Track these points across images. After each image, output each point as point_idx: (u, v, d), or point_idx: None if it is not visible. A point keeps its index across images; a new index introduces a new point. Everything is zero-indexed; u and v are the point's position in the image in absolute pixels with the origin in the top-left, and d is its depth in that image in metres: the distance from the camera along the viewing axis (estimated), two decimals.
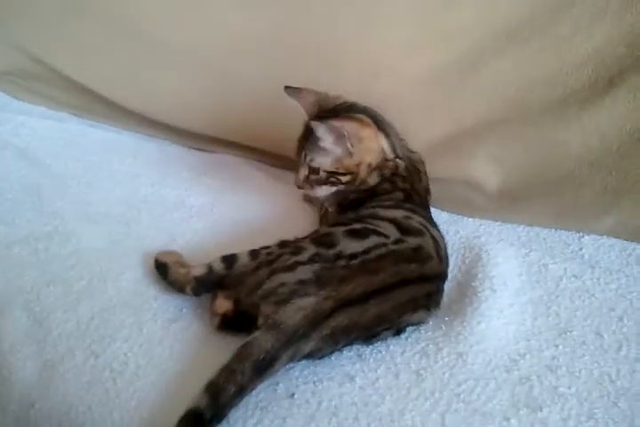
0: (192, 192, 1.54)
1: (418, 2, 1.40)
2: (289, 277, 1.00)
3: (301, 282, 0.98)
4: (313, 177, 1.25)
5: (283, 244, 1.10)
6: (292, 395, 0.96)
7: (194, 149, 1.78)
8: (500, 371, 1.00)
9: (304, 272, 1.00)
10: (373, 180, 1.25)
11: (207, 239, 1.34)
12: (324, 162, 1.23)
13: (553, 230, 1.37)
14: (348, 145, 1.20)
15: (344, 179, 1.24)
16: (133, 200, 1.49)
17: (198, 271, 1.11)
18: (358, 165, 1.23)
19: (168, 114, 1.76)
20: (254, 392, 0.95)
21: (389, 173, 1.25)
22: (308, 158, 1.24)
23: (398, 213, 1.17)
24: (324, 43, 1.50)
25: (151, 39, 1.70)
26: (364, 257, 1.03)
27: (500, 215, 1.42)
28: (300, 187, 1.29)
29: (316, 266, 1.01)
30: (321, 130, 1.18)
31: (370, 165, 1.24)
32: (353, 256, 1.02)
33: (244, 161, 1.72)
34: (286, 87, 1.29)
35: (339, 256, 1.02)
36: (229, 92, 1.65)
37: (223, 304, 1.04)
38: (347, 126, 1.19)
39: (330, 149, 1.21)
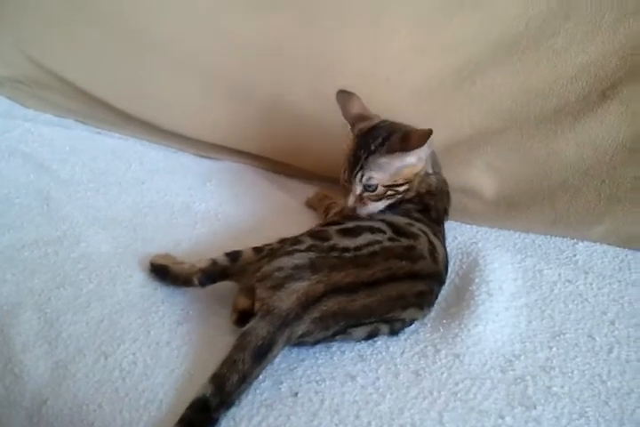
0: (197, 198, 1.56)
1: (416, 15, 1.43)
2: (286, 262, 1.03)
3: (297, 267, 1.02)
4: (368, 194, 1.22)
5: (282, 240, 1.14)
6: (296, 394, 0.98)
7: (199, 156, 1.80)
8: (496, 371, 1.02)
9: (300, 258, 1.04)
10: (411, 193, 1.26)
11: (211, 244, 1.36)
12: (385, 177, 1.21)
13: (548, 237, 1.39)
14: (423, 150, 1.20)
15: (402, 189, 1.23)
16: (139, 206, 1.52)
17: (204, 264, 1.15)
18: (415, 174, 1.24)
19: (173, 121, 1.79)
20: (259, 391, 0.98)
21: (425, 189, 1.26)
22: (365, 178, 1.20)
23: (401, 220, 1.19)
24: (324, 53, 1.53)
25: (156, 48, 1.73)
26: (356, 253, 1.06)
27: (496, 222, 1.44)
28: (350, 209, 1.24)
29: (312, 254, 1.05)
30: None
31: (419, 175, 1.25)
32: (345, 249, 1.06)
33: (248, 168, 1.74)
34: (339, 91, 1.28)
35: (332, 248, 1.06)
36: (233, 101, 1.68)
37: (243, 302, 1.06)
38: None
39: (401, 160, 1.20)
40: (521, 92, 1.37)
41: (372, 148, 1.20)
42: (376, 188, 1.21)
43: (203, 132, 1.76)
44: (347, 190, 1.24)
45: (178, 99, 1.76)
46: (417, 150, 1.18)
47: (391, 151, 1.18)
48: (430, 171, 1.27)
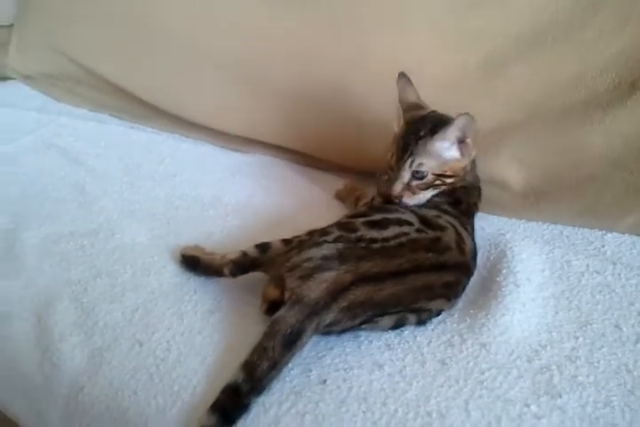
0: (227, 191, 1.58)
1: (441, 7, 1.44)
2: (315, 253, 1.05)
3: (325, 257, 1.03)
4: (416, 182, 1.21)
5: (310, 232, 1.15)
6: (324, 381, 1.00)
7: (228, 149, 1.81)
8: (522, 361, 1.02)
9: (329, 249, 1.05)
10: (459, 179, 1.25)
11: (242, 236, 1.38)
12: (434, 165, 1.21)
13: (576, 228, 1.38)
14: (469, 145, 1.22)
15: (449, 181, 1.23)
16: (172, 199, 1.55)
17: (234, 255, 1.17)
18: (464, 169, 1.25)
19: (203, 115, 1.81)
20: (288, 378, 1.00)
21: (459, 184, 1.26)
22: (416, 163, 1.20)
23: (430, 212, 1.20)
24: (350, 45, 1.54)
25: (187, 44, 1.77)
26: (384, 244, 1.07)
27: (524, 213, 1.44)
28: (396, 197, 1.22)
29: (340, 245, 1.06)
30: (464, 123, 1.17)
31: (465, 170, 1.25)
32: (373, 240, 1.07)
33: (277, 161, 1.75)
34: (401, 73, 1.27)
35: (360, 239, 1.08)
36: (261, 94, 1.70)
37: (272, 292, 1.08)
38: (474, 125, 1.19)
39: (444, 149, 1.20)
40: (547, 84, 1.36)
41: (422, 133, 1.20)
42: (425, 175, 1.21)
43: (232, 125, 1.78)
44: (393, 174, 1.23)
45: (207, 92, 1.78)
46: (462, 143, 1.20)
47: (438, 134, 1.19)
48: (469, 168, 1.27)
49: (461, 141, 1.20)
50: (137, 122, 1.94)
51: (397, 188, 1.22)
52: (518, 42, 1.36)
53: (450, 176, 1.22)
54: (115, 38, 1.89)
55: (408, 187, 1.22)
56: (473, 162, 1.28)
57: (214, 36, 1.72)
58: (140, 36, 1.84)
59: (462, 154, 1.22)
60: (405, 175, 1.21)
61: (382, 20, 1.49)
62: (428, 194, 1.23)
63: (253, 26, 1.65)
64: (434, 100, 1.31)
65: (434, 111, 1.27)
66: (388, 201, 1.24)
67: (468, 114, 1.15)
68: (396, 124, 1.27)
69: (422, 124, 1.22)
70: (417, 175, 1.21)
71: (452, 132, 1.18)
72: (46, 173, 1.65)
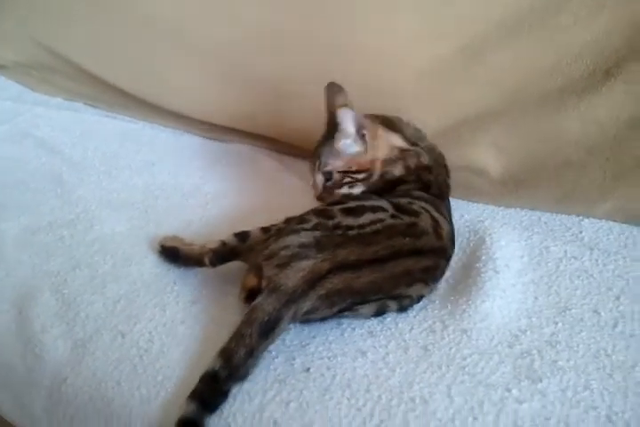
0: (206, 180, 1.59)
1: None
2: (292, 240, 1.05)
3: (303, 245, 1.04)
4: (329, 183, 1.27)
5: (288, 219, 1.16)
6: (308, 369, 1.01)
7: (208, 138, 1.81)
8: (503, 346, 1.04)
9: (306, 236, 1.05)
10: (399, 170, 1.26)
11: (221, 225, 1.39)
12: (336, 163, 1.25)
13: (554, 214, 1.40)
14: (367, 138, 1.23)
15: (359, 176, 1.26)
16: (151, 188, 1.55)
17: (214, 244, 1.18)
18: (372, 162, 1.26)
19: (182, 104, 1.80)
20: (272, 367, 1.01)
21: (414, 164, 1.27)
22: (322, 164, 1.26)
23: (402, 200, 1.20)
24: (329, 35, 1.53)
25: (165, 30, 1.74)
26: (360, 231, 1.08)
27: (503, 200, 1.45)
28: (320, 198, 1.29)
29: (317, 233, 1.06)
30: (347, 116, 1.20)
31: (385, 161, 1.26)
32: (349, 228, 1.08)
33: (257, 150, 1.75)
34: (330, 83, 1.28)
35: (336, 226, 1.08)
36: (240, 84, 1.69)
37: (251, 280, 1.07)
38: (365, 120, 1.23)
39: (346, 145, 1.24)
40: (525, 70, 1.37)
41: (321, 138, 1.26)
42: (332, 175, 1.25)
43: (211, 114, 1.78)
44: (313, 184, 1.29)
45: (185, 81, 1.77)
46: (359, 135, 1.23)
47: (337, 135, 1.23)
48: (406, 146, 1.29)
49: (362, 135, 1.23)
50: (113, 111, 1.93)
51: (317, 191, 1.29)
52: (499, 28, 1.36)
53: (358, 171, 1.25)
54: (90, 27, 1.87)
55: (325, 188, 1.27)
56: (420, 138, 1.31)
57: (193, 23, 1.70)
58: (116, 25, 1.82)
59: (365, 147, 1.24)
60: (319, 178, 1.26)
61: (365, 6, 1.48)
62: (345, 190, 1.26)
63: (235, 14, 1.63)
64: (414, 87, 1.31)
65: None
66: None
67: (345, 106, 1.20)
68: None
69: (331, 128, 1.26)
70: (327, 176, 1.26)
71: (346, 129, 1.22)
72: (23, 163, 1.64)
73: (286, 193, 1.52)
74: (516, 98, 1.39)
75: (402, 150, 1.28)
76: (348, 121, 1.21)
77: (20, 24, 2.00)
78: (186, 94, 1.79)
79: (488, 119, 1.42)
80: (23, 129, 1.81)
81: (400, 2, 1.46)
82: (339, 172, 1.25)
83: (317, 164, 1.27)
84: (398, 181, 1.26)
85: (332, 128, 1.25)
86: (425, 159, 1.28)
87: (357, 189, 1.26)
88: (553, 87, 1.35)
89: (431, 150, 1.32)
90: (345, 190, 1.26)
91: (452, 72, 1.44)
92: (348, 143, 1.24)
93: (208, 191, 1.54)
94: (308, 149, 1.58)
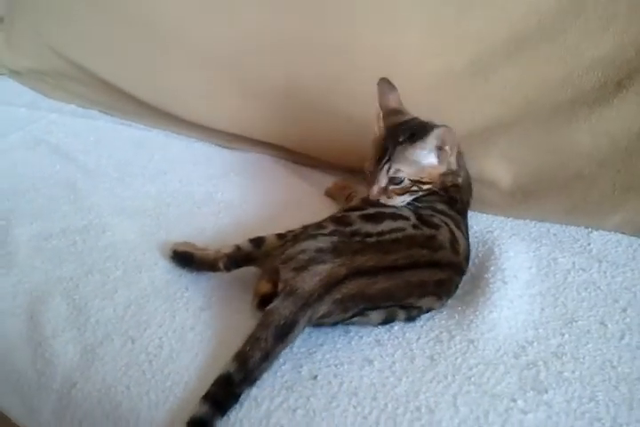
0: (219, 188, 1.59)
1: (432, 8, 1.44)
2: (310, 245, 1.06)
3: (320, 250, 1.05)
4: (393, 187, 1.21)
5: (305, 226, 1.17)
6: (315, 377, 1.01)
7: (220, 146, 1.82)
8: (509, 357, 1.04)
9: (324, 241, 1.07)
10: (437, 185, 1.24)
11: (234, 233, 1.38)
12: (410, 170, 1.20)
13: (563, 226, 1.40)
14: (448, 153, 1.21)
15: (425, 187, 1.23)
16: (163, 195, 1.55)
17: (228, 249, 1.19)
18: (441, 175, 1.24)
19: (194, 112, 1.81)
20: (279, 374, 1.01)
21: (451, 182, 1.25)
22: (393, 169, 1.20)
23: (425, 211, 1.20)
24: (340, 46, 1.54)
25: (178, 40, 1.77)
26: (379, 238, 1.09)
27: (512, 212, 1.45)
28: (376, 198, 1.23)
29: (335, 238, 1.07)
30: (448, 135, 1.18)
31: (443, 176, 1.24)
32: (368, 235, 1.09)
33: (268, 158, 1.76)
34: (382, 79, 1.27)
35: (355, 233, 1.09)
36: (252, 92, 1.70)
37: (264, 286, 1.08)
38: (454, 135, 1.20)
39: (425, 156, 1.21)
40: (536, 83, 1.37)
41: (401, 140, 1.21)
42: (402, 181, 1.21)
43: (223, 123, 1.78)
44: (370, 178, 1.24)
45: (198, 90, 1.78)
46: (441, 150, 1.20)
47: (416, 142, 1.19)
48: (455, 168, 1.26)
49: (440, 149, 1.21)
50: (127, 118, 1.94)
51: (374, 191, 1.22)
52: (507, 43, 1.37)
53: (427, 182, 1.23)
54: (105, 34, 1.89)
55: (385, 191, 1.22)
56: (461, 158, 1.29)
57: (204, 33, 1.71)
58: (130, 33, 1.84)
59: (440, 161, 1.22)
60: (382, 180, 1.22)
61: (374, 21, 1.49)
62: (406, 198, 1.23)
63: (243, 25, 1.65)
64: (424, 100, 1.31)
65: (415, 118, 1.28)
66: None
67: (446, 126, 1.16)
68: (376, 128, 1.27)
69: (402, 131, 1.23)
70: (394, 181, 1.21)
71: (431, 142, 1.19)
72: (37, 170, 1.65)
73: (299, 202, 1.53)
74: (526, 110, 1.39)
75: (451, 170, 1.27)
76: (446, 140, 1.19)
77: (34, 31, 2.03)
78: (199, 103, 1.79)
79: (498, 131, 1.42)
80: (37, 135, 1.82)
81: (410, 17, 1.47)
82: (410, 179, 1.21)
83: (387, 167, 1.20)
84: (428, 194, 1.25)
85: (401, 132, 1.22)
86: (460, 179, 1.28)
87: (411, 198, 1.24)
88: (564, 99, 1.36)
89: (465, 170, 1.31)
90: (406, 197, 1.23)
91: (462, 86, 1.45)
92: (428, 155, 1.21)
93: (221, 200, 1.55)
94: (318, 157, 1.59)
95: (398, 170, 1.20)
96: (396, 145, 1.21)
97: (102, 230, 1.40)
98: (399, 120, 1.26)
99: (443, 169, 1.23)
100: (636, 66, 1.29)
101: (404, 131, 1.22)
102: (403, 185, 1.21)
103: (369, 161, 1.25)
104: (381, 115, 1.27)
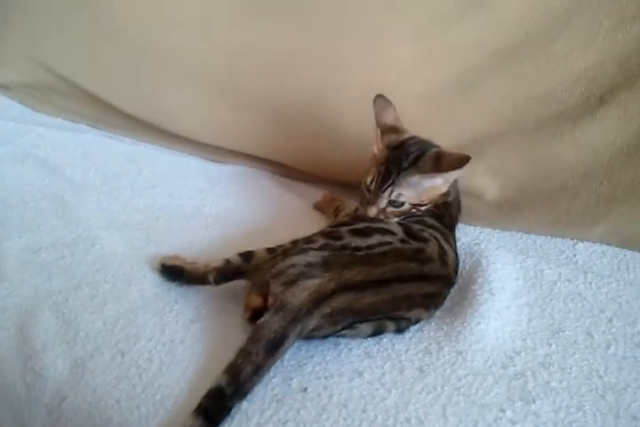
0: (207, 202, 1.59)
1: (419, 22, 1.46)
2: (300, 259, 1.07)
3: (309, 264, 1.06)
4: (391, 209, 1.24)
5: (295, 240, 1.18)
6: (305, 389, 1.01)
7: (208, 160, 1.82)
8: (497, 367, 1.05)
9: (314, 256, 1.08)
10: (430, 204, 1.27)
11: (223, 246, 1.38)
12: (411, 194, 1.22)
13: (548, 238, 1.42)
14: (452, 179, 1.23)
15: (424, 208, 1.25)
16: (152, 209, 1.55)
17: (218, 263, 1.19)
18: (441, 195, 1.26)
19: (182, 126, 1.81)
20: (269, 387, 1.01)
21: (442, 200, 1.27)
22: (395, 193, 1.21)
23: (414, 226, 1.22)
24: (328, 60, 1.56)
25: (168, 54, 1.76)
26: (368, 251, 1.10)
27: (498, 223, 1.47)
28: (373, 217, 1.24)
29: (325, 253, 1.08)
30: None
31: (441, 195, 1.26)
32: (357, 249, 1.10)
33: (257, 172, 1.77)
34: (378, 95, 1.28)
35: (344, 247, 1.10)
36: (240, 107, 1.70)
37: (255, 299, 1.09)
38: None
39: (429, 182, 1.22)
40: (521, 97, 1.39)
41: (405, 165, 1.21)
42: (402, 204, 1.23)
43: (212, 136, 1.79)
44: (370, 198, 1.24)
45: (186, 104, 1.79)
46: (448, 174, 1.20)
47: (424, 172, 1.20)
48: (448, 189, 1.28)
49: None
50: (115, 132, 1.93)
51: (372, 212, 1.24)
52: (495, 56, 1.39)
53: (426, 204, 1.25)
54: (93, 49, 1.88)
55: (383, 211, 1.24)
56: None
57: (194, 48, 1.72)
58: (119, 47, 1.83)
59: (444, 183, 1.23)
60: (382, 202, 1.23)
61: (362, 35, 1.51)
62: (402, 218, 1.25)
63: (233, 41, 1.66)
64: (412, 113, 1.32)
65: (413, 137, 1.29)
66: None
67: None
68: (375, 147, 1.28)
69: (404, 153, 1.23)
70: (394, 204, 1.23)
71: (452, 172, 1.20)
72: (25, 184, 1.64)
73: (287, 215, 1.54)
74: (512, 123, 1.42)
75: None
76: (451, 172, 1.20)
77: (22, 45, 2.02)
78: (187, 117, 1.80)
79: (485, 144, 1.44)
80: (25, 149, 1.81)
81: (397, 31, 1.49)
82: (410, 204, 1.23)
83: (390, 190, 1.22)
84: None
85: (405, 156, 1.23)
86: (450, 197, 1.30)
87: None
88: (549, 113, 1.38)
89: (455, 187, 1.33)
90: (403, 217, 1.25)
91: (449, 98, 1.47)
92: (431, 180, 1.22)
93: (209, 213, 1.55)
94: (306, 171, 1.60)
95: (400, 194, 1.22)
96: (399, 170, 1.22)
97: (91, 244, 1.40)
98: (399, 139, 1.27)
99: (444, 189, 1.25)
100: (618, 81, 1.32)
101: (408, 154, 1.23)
102: (402, 208, 1.24)
103: (368, 178, 1.26)
104: (379, 133, 1.28)
